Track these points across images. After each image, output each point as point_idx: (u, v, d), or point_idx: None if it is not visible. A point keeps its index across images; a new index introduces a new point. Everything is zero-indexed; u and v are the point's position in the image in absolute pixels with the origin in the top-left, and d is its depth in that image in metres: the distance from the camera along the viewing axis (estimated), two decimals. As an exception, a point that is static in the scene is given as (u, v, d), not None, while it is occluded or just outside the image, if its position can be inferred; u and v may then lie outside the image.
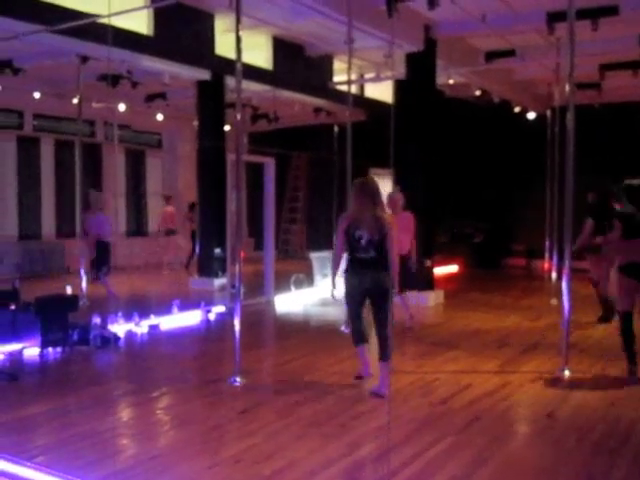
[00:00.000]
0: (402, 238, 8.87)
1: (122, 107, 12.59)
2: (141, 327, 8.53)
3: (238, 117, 6.58)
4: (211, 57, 11.08)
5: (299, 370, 6.69)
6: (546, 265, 12.14)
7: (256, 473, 4.13)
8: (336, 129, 14.20)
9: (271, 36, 11.79)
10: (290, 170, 18.88)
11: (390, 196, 9.04)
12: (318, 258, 12.41)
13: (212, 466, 4.25)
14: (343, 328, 8.75)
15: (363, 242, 5.71)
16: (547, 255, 11.95)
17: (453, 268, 15.55)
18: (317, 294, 11.75)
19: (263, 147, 12.79)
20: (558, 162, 10.79)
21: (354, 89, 13.37)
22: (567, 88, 6.66)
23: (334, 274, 6.09)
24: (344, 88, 10.30)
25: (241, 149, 6.76)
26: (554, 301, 9.94)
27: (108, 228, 10.24)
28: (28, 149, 14.85)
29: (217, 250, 12.24)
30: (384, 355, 5.86)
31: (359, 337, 6.08)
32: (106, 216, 10.38)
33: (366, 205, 5.78)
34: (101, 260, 10.06)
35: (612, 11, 9.25)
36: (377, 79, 13.12)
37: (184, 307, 9.44)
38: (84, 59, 9.91)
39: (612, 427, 5.02)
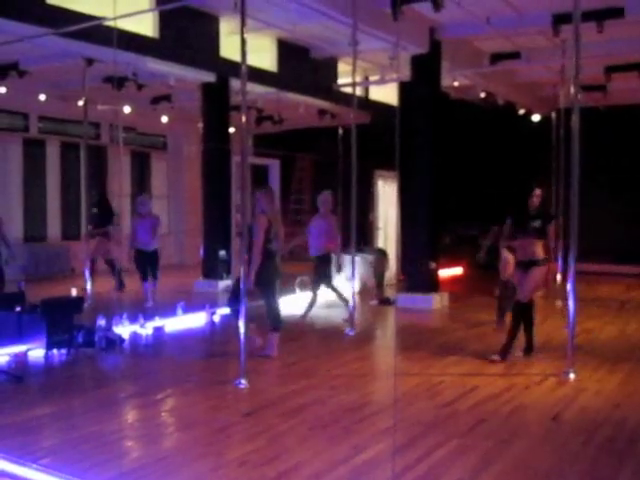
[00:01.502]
0: (333, 237, 9.67)
1: (127, 109, 12.60)
2: (146, 329, 8.55)
3: (243, 119, 6.57)
4: (216, 59, 11.09)
5: (304, 372, 6.68)
6: (550, 266, 12.11)
7: (261, 475, 4.13)
8: (340, 131, 14.19)
9: (276, 38, 11.80)
10: (294, 172, 18.88)
11: (326, 197, 9.64)
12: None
13: (217, 468, 4.25)
14: (347, 330, 8.76)
15: (273, 238, 7.06)
16: (552, 257, 11.90)
17: (458, 270, 15.53)
18: (322, 296, 11.74)
19: (268, 149, 12.80)
20: (563, 164, 10.77)
21: (359, 91, 13.36)
22: (572, 90, 6.64)
23: (254, 268, 6.89)
24: (349, 90, 10.31)
25: (246, 151, 6.75)
26: (559, 303, 9.92)
27: (140, 236, 10.14)
28: (34, 151, 14.87)
29: (222, 252, 12.24)
30: (278, 325, 7.23)
31: (281, 321, 7.32)
32: (144, 223, 10.20)
33: (276, 208, 7.42)
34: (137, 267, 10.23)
35: (617, 13, 9.23)
36: (382, 81, 13.13)
37: (189, 309, 9.45)
38: (90, 61, 9.91)
39: (618, 429, 5.01)
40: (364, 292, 11.66)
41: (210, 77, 11.63)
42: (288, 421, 5.16)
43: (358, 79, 12.09)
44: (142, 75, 11.12)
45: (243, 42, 6.25)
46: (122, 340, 7.89)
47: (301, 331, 9.15)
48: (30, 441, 4.71)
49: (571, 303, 6.52)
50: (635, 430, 5.01)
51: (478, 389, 6.05)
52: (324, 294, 11.74)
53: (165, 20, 9.89)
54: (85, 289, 10.23)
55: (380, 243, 14.80)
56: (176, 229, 17.89)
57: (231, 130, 12.55)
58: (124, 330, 8.21)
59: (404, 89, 11.53)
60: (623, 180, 15.34)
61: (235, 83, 11.49)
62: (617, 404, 5.63)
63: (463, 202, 16.87)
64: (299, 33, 11.28)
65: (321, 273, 9.83)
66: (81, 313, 7.84)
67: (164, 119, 15.21)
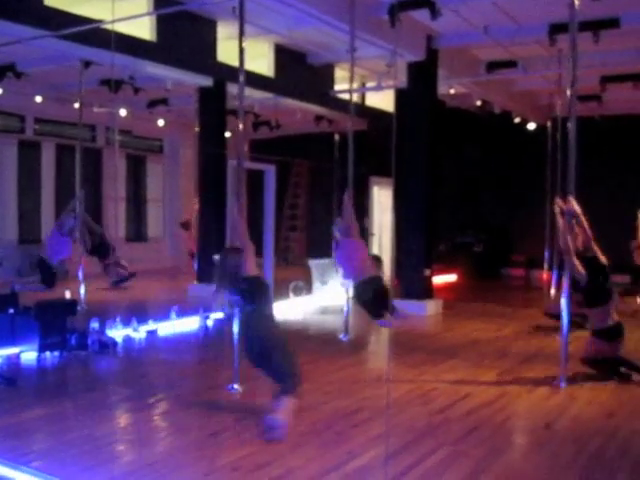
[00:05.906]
0: None
1: (123, 112, 12.60)
2: (139, 333, 8.53)
3: (241, 126, 6.56)
4: (213, 64, 11.09)
5: (297, 378, 6.67)
6: (545, 276, 12.13)
7: (253, 481, 4.13)
8: (337, 137, 14.23)
9: (273, 44, 11.82)
10: (290, 177, 18.90)
11: None
12: (317, 265, 12.40)
13: (209, 473, 4.24)
14: (342, 336, 8.76)
15: None
16: (546, 266, 11.95)
17: (452, 277, 15.55)
18: (316, 301, 11.75)
19: (264, 154, 12.80)
20: (559, 173, 10.80)
21: (355, 98, 13.39)
22: (568, 100, 6.66)
23: None
24: (345, 96, 10.32)
25: (242, 156, 6.74)
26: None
27: None
28: (29, 153, 14.84)
29: (216, 257, 12.20)
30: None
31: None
32: None
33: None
34: None
35: (613, 23, 9.28)
36: (378, 88, 13.15)
37: (182, 313, 9.43)
38: (87, 64, 9.90)
39: (610, 438, 5.01)
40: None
41: (207, 81, 11.63)
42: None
43: (355, 86, 12.12)
44: (139, 78, 11.12)
45: (241, 50, 6.26)
46: (115, 343, 7.87)
47: (294, 337, 9.13)
48: (22, 444, 4.69)
49: (564, 311, 6.54)
50: (627, 440, 5.02)
51: (471, 396, 6.05)
52: (320, 299, 11.77)
53: (163, 24, 9.90)
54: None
55: (375, 249, 14.81)
56: (171, 233, 17.87)
57: (227, 135, 12.55)
58: (117, 333, 8.20)
59: (400, 96, 11.55)
60: (618, 189, 15.37)
61: (232, 87, 11.50)
62: (609, 413, 5.63)
63: (459, 209, 16.93)
64: (296, 39, 11.30)
65: None
66: (74, 316, 7.81)
67: (160, 123, 15.22)
